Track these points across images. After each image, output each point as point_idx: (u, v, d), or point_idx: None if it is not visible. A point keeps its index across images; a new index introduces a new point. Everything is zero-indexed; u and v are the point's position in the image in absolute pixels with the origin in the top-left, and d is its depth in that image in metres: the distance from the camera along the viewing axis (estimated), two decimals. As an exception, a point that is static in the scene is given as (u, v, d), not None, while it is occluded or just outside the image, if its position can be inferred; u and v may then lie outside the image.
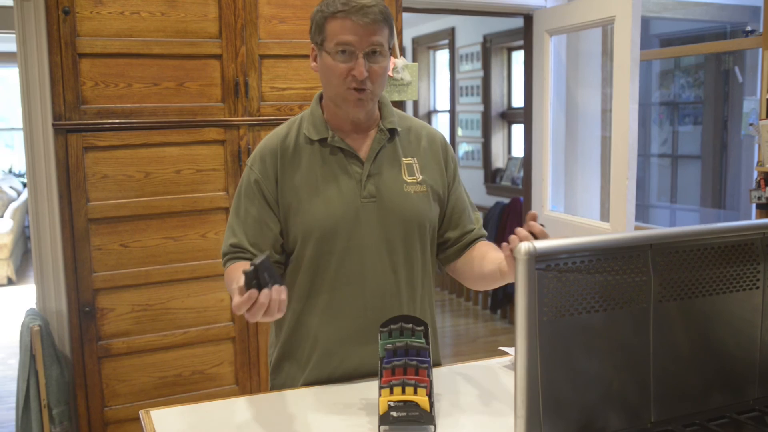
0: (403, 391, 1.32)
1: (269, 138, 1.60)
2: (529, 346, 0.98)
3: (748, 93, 4.31)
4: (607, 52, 3.79)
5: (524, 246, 0.97)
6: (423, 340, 1.39)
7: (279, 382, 1.64)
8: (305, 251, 1.55)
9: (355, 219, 1.53)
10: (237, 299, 1.23)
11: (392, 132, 1.60)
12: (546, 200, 3.83)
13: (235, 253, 1.57)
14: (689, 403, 1.14)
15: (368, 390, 1.48)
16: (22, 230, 7.35)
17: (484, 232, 1.70)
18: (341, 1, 1.46)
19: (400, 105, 2.94)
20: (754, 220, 1.27)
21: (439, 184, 1.63)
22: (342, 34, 1.45)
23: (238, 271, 1.37)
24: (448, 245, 1.67)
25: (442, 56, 6.97)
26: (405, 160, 1.60)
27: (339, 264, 1.54)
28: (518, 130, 5.88)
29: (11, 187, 7.86)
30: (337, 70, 1.47)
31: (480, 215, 1.74)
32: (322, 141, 1.56)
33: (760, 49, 3.38)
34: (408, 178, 1.58)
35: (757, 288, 1.19)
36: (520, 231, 1.30)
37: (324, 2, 1.50)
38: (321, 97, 1.62)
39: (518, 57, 5.82)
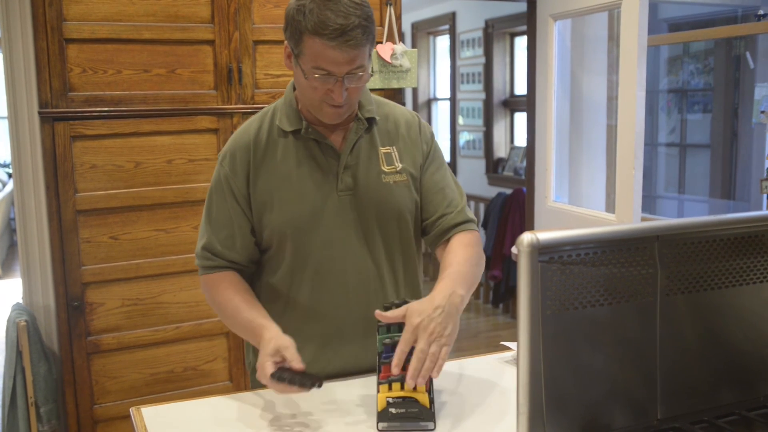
0: (402, 387, 1.30)
1: (240, 132, 1.54)
2: (531, 341, 0.96)
3: (759, 79, 4.23)
4: (614, 38, 3.73)
5: (527, 237, 0.94)
6: None
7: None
8: (282, 249, 1.51)
9: (331, 213, 1.49)
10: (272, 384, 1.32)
11: (370, 121, 1.54)
12: (550, 191, 3.78)
13: (208, 258, 1.54)
14: (697, 400, 1.12)
15: (366, 386, 1.47)
16: (7, 222, 7.25)
17: (466, 217, 1.56)
18: (319, 18, 1.33)
19: (399, 92, 2.88)
20: (765, 211, 1.23)
21: (417, 168, 1.57)
22: (321, 61, 1.36)
23: (226, 293, 1.48)
24: (426, 231, 1.59)
25: (443, 42, 6.88)
26: (383, 149, 1.54)
27: (318, 260, 1.50)
28: (521, 118, 5.80)
29: (-4, 178, 7.77)
30: (314, 89, 1.40)
31: (465, 201, 1.61)
32: (296, 132, 1.50)
33: (772, 35, 3.30)
34: (387, 168, 1.53)
35: (768, 281, 1.16)
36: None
37: (300, 4, 1.36)
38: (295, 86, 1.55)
39: (521, 43, 5.74)
